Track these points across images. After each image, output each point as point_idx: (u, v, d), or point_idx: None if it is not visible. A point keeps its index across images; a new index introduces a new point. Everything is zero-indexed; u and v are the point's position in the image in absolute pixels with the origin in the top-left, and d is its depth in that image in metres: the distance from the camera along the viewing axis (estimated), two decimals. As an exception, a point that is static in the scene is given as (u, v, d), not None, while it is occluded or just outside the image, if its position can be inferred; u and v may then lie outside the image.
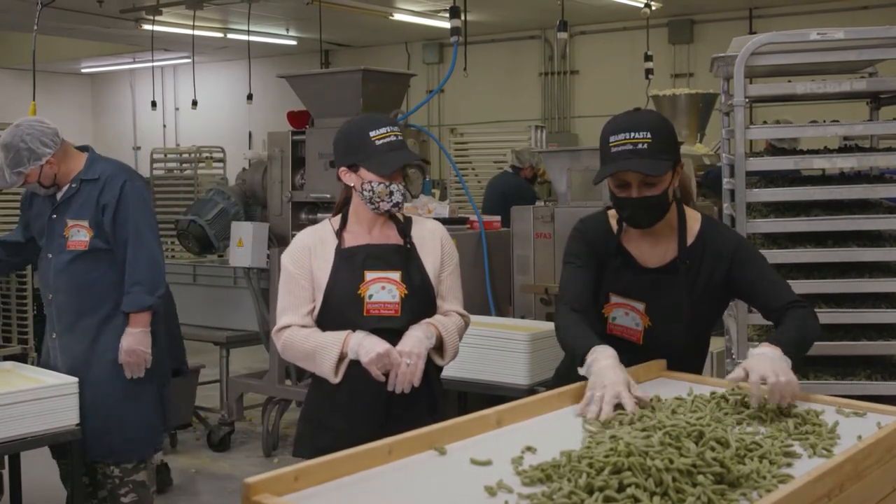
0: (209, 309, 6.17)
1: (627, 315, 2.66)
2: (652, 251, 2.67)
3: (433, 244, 2.90)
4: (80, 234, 3.84)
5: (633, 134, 2.49)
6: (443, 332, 2.81)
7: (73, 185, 3.85)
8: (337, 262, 2.80)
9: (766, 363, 2.26)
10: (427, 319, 2.81)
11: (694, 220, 2.69)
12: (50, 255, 3.88)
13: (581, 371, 2.36)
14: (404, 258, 2.82)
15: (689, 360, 2.70)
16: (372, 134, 2.77)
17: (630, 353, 2.53)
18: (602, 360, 2.30)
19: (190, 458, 5.73)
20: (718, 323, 2.86)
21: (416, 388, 2.70)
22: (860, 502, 1.87)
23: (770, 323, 2.69)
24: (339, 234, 2.84)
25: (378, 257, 2.80)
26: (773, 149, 5.16)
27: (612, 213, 2.73)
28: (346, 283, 2.76)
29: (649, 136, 2.48)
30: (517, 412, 2.18)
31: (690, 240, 2.65)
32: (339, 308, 2.76)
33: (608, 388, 2.19)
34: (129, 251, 3.83)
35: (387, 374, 2.68)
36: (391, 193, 2.79)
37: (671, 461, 1.69)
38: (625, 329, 2.66)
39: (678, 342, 2.64)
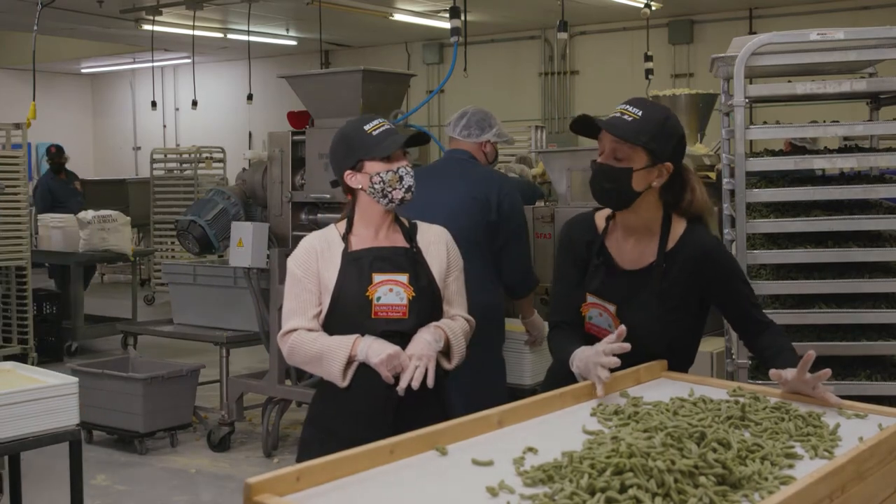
0: (209, 309, 6.17)
1: (601, 316, 2.65)
2: (631, 253, 2.66)
3: (439, 249, 2.89)
4: None
5: (629, 107, 2.55)
6: (450, 336, 2.79)
7: None
8: (344, 265, 2.78)
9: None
10: (434, 323, 2.79)
11: (679, 226, 2.65)
12: None
13: (577, 374, 2.46)
14: (411, 261, 2.81)
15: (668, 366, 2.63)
16: (366, 127, 2.78)
17: None
18: (582, 352, 2.46)
19: (190, 458, 5.72)
20: (700, 332, 2.78)
21: (424, 393, 2.67)
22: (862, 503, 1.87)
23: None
24: (346, 237, 2.83)
25: (385, 259, 2.78)
26: (794, 147, 5.16)
27: (599, 213, 2.73)
28: (354, 285, 2.75)
29: (640, 114, 2.52)
30: (519, 412, 2.17)
31: (671, 245, 2.63)
32: (347, 311, 2.74)
33: (593, 363, 2.37)
34: None
35: (396, 378, 2.66)
36: (401, 178, 2.76)
37: (673, 462, 1.69)
38: (599, 329, 2.65)
39: (649, 347, 2.58)
